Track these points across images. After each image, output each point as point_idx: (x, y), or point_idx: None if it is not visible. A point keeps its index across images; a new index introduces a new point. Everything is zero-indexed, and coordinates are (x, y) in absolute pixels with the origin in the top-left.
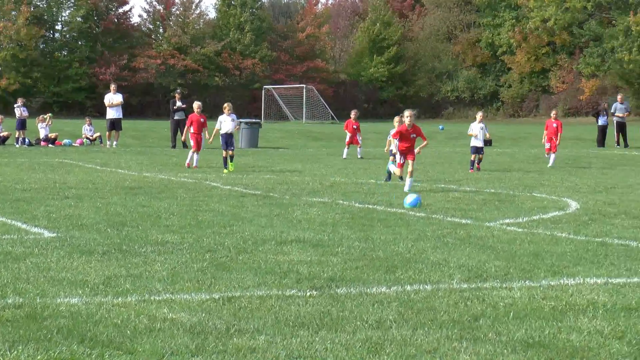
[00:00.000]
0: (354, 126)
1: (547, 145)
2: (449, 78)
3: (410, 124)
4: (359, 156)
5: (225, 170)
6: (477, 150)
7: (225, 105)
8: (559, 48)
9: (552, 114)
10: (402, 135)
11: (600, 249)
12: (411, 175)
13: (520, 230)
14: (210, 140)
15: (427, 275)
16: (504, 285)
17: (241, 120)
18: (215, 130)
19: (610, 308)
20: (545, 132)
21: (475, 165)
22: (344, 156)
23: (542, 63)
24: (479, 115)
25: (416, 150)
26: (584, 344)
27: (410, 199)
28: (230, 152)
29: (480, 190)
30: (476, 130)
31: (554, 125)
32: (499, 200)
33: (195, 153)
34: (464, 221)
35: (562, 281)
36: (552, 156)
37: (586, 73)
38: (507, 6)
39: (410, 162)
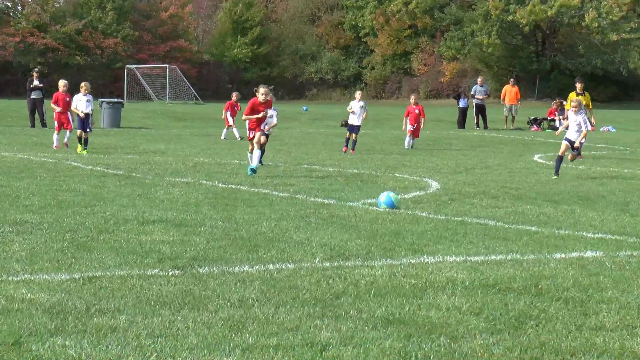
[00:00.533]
0: (417, 110)
1: (410, 127)
2: (312, 60)
3: (264, 100)
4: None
5: (79, 148)
6: (352, 129)
7: (83, 84)
8: (420, 31)
9: (411, 100)
10: (252, 110)
11: (459, 228)
12: (259, 148)
13: (382, 209)
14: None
15: (289, 254)
16: (366, 264)
17: (103, 100)
18: (74, 110)
19: (468, 285)
20: (405, 118)
21: (350, 150)
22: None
23: (404, 46)
24: (358, 94)
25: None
26: (443, 320)
27: (384, 197)
28: (85, 134)
29: (343, 170)
30: (356, 107)
31: (416, 111)
32: (362, 181)
33: (57, 134)
34: (327, 201)
35: (422, 259)
36: (409, 139)
37: (447, 56)
38: None
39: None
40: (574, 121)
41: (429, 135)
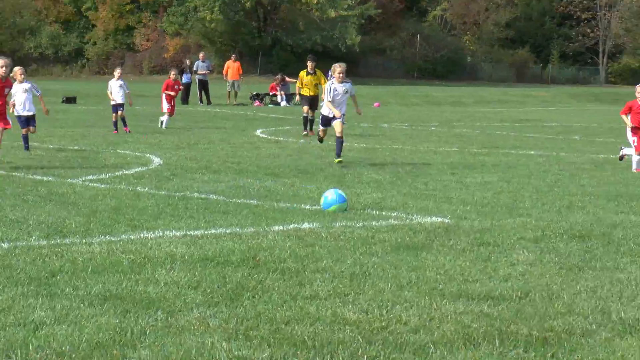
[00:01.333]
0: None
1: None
2: (31, 34)
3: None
4: None
5: None
6: (117, 108)
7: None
8: (143, 6)
9: (115, 73)
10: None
11: (180, 203)
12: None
13: (102, 186)
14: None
15: (4, 233)
16: (84, 241)
17: None
18: None
19: (187, 259)
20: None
21: (124, 128)
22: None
23: (127, 20)
24: (117, 72)
25: None
26: (161, 295)
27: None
28: None
29: (64, 147)
30: (115, 86)
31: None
32: (82, 157)
33: None
34: (45, 178)
35: (142, 235)
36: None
37: (170, 31)
38: None
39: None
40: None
41: (147, 111)
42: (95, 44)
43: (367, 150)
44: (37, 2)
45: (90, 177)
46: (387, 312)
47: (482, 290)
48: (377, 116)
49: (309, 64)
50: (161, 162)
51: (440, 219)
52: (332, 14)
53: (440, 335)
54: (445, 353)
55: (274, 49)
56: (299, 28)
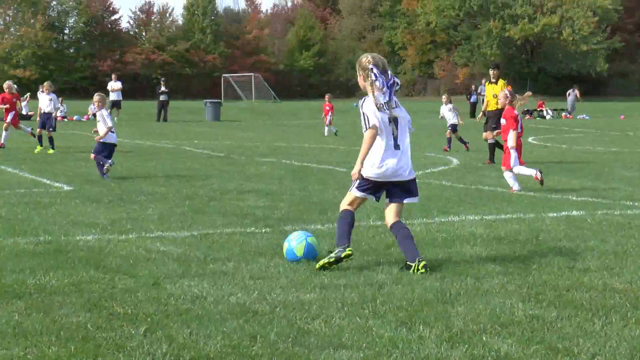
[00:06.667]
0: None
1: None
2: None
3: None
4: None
5: (38, 148)
6: (454, 129)
7: (45, 83)
8: (439, 45)
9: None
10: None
11: (475, 194)
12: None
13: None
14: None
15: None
16: (407, 222)
17: (206, 100)
18: (39, 109)
19: (485, 238)
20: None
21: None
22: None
23: (427, 56)
24: (444, 98)
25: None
26: (469, 265)
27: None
28: (48, 132)
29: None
30: (445, 111)
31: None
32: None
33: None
34: None
35: (449, 218)
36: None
37: (460, 63)
38: (401, 13)
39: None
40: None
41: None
42: (405, 74)
43: (616, 153)
44: (364, 44)
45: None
46: None
47: None
48: (623, 126)
49: (490, 72)
50: (458, 163)
51: None
52: (584, 47)
53: None
54: None
55: (539, 75)
56: (559, 58)
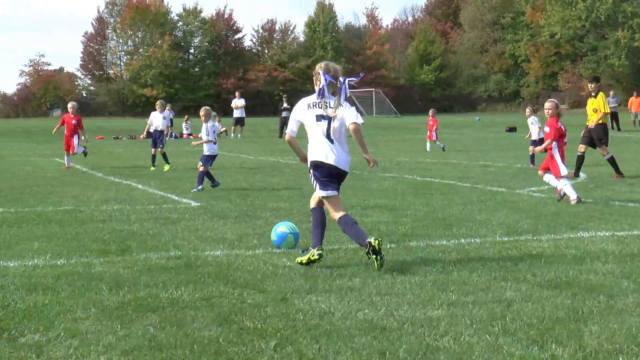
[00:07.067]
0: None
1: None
2: (482, 81)
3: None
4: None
5: (152, 168)
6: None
7: (158, 102)
8: (564, 56)
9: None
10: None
11: (605, 209)
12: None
13: (543, 195)
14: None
15: (476, 231)
16: (535, 238)
17: None
18: (147, 126)
19: (617, 255)
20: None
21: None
22: None
23: (551, 68)
24: (528, 110)
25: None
26: (600, 283)
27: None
28: (159, 150)
29: (511, 165)
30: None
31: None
32: (525, 173)
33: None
34: (499, 189)
35: (579, 234)
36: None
37: (585, 75)
38: (524, 25)
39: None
40: None
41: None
42: (528, 86)
43: None
44: (486, 57)
45: (532, 189)
46: None
47: None
48: None
49: (590, 85)
50: (586, 177)
51: None
52: None
53: None
54: None
55: None
56: None
